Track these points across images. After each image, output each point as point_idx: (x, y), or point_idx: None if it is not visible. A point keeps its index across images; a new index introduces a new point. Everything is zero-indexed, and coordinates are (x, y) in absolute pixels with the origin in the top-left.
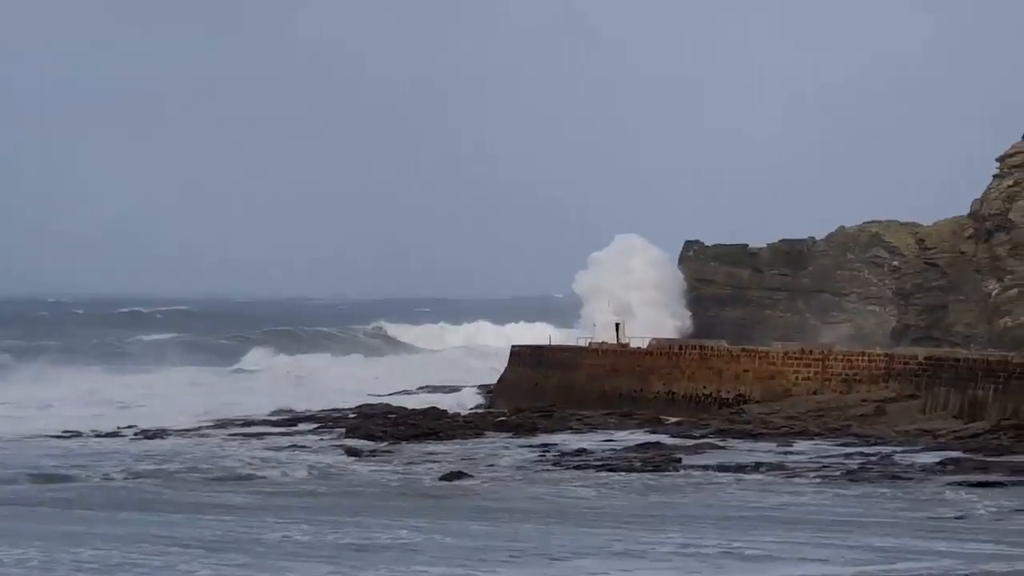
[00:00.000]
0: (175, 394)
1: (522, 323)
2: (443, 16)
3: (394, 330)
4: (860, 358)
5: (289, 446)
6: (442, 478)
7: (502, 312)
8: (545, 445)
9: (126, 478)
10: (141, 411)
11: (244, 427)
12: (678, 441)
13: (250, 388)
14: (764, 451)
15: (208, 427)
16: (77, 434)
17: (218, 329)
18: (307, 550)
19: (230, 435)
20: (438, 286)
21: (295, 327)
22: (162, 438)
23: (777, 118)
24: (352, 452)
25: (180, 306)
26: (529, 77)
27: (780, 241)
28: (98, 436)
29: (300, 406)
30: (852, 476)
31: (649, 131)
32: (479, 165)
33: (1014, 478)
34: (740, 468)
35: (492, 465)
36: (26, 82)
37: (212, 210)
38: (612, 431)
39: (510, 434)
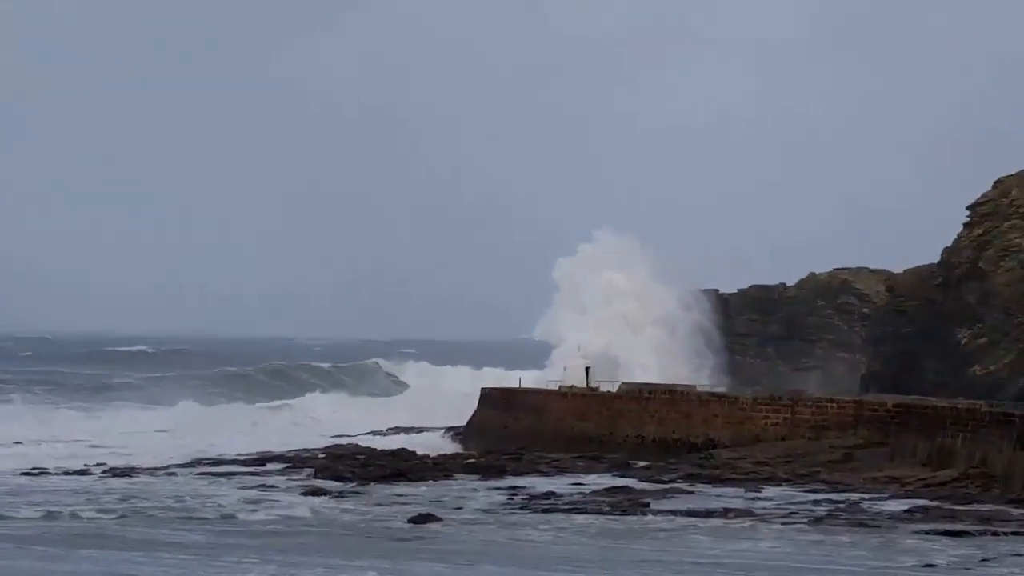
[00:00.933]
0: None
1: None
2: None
3: (393, 369)
4: (829, 404)
5: (257, 486)
6: (410, 520)
7: (477, 355)
8: (514, 488)
9: (86, 514)
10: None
11: (212, 466)
12: (647, 485)
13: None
14: (732, 496)
15: (177, 465)
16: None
17: (222, 366)
18: None
19: (198, 474)
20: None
21: (292, 363)
22: (129, 476)
23: (749, 160)
24: (320, 493)
25: (169, 344)
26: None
27: (750, 287)
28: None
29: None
30: (817, 523)
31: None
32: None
33: (981, 527)
34: (708, 514)
35: (460, 508)
36: None
37: (187, 245)
38: (581, 474)
39: (479, 476)
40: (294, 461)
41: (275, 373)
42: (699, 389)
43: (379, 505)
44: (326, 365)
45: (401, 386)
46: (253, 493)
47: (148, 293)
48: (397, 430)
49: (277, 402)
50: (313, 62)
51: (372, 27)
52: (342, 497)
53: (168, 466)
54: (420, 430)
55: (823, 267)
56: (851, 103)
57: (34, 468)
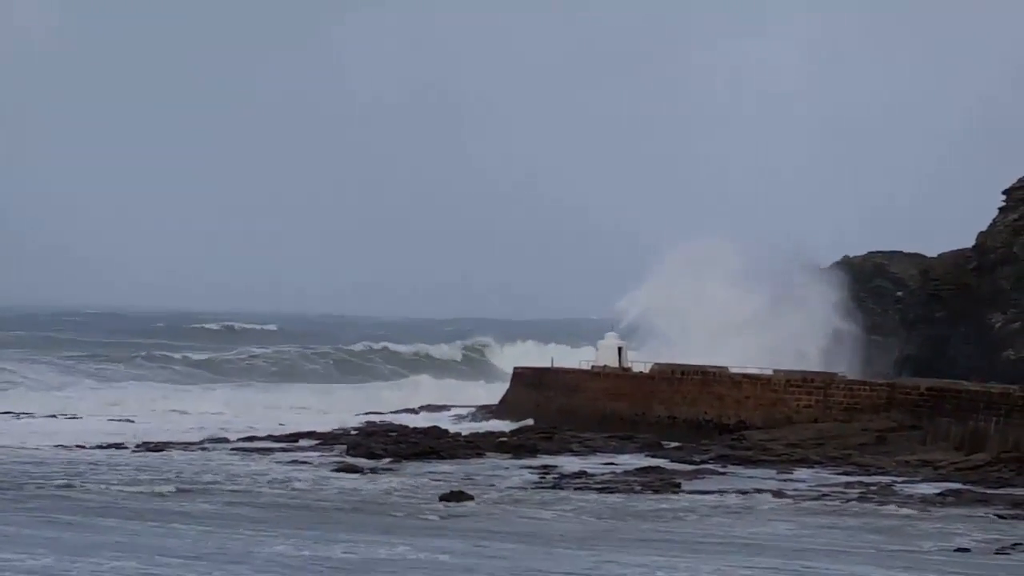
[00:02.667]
0: None
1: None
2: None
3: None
4: (862, 387)
5: (290, 462)
6: (442, 498)
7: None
8: (546, 467)
9: (121, 488)
10: None
11: (246, 442)
12: (678, 466)
13: None
14: (764, 478)
15: (210, 441)
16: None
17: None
18: (297, 562)
19: (232, 450)
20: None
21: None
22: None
23: (797, 144)
24: (352, 470)
25: (262, 324)
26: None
27: None
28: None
29: None
30: (847, 505)
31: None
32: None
33: (1014, 511)
34: (739, 494)
35: (492, 486)
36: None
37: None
38: (613, 454)
39: (510, 455)
40: (326, 438)
41: (391, 356)
42: (731, 370)
43: (411, 482)
44: (446, 346)
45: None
46: (285, 468)
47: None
48: (431, 407)
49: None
50: (373, 44)
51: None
52: (374, 474)
53: (201, 441)
54: (452, 407)
55: (858, 250)
56: (891, 85)
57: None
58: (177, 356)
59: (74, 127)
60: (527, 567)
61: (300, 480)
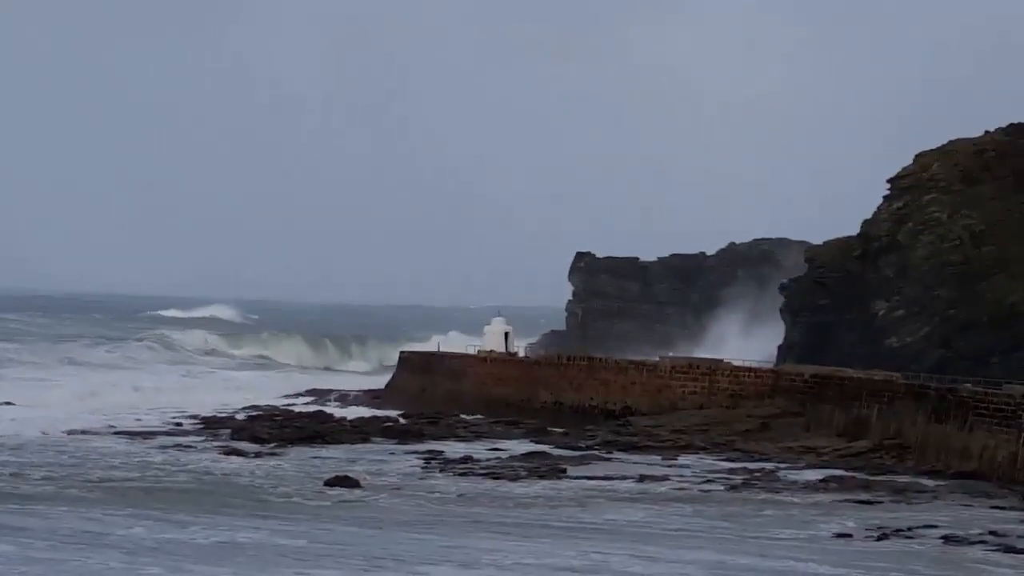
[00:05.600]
0: None
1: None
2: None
3: None
4: (747, 374)
5: (174, 446)
6: (326, 483)
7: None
8: (431, 452)
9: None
10: None
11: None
12: (564, 452)
13: None
14: (649, 464)
15: (97, 428)
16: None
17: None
18: (150, 544)
19: (117, 434)
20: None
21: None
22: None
23: (678, 132)
24: (237, 454)
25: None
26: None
27: (671, 255)
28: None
29: None
30: (732, 491)
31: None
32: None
33: (895, 497)
34: (622, 480)
35: (378, 471)
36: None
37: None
38: (499, 440)
39: (396, 440)
40: (210, 422)
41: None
42: (617, 358)
43: (296, 467)
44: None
45: None
46: (166, 455)
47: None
48: (313, 393)
49: None
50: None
51: None
52: (258, 458)
53: (90, 428)
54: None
55: (743, 237)
56: (790, 75)
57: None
58: None
59: None
60: (366, 551)
61: (180, 465)
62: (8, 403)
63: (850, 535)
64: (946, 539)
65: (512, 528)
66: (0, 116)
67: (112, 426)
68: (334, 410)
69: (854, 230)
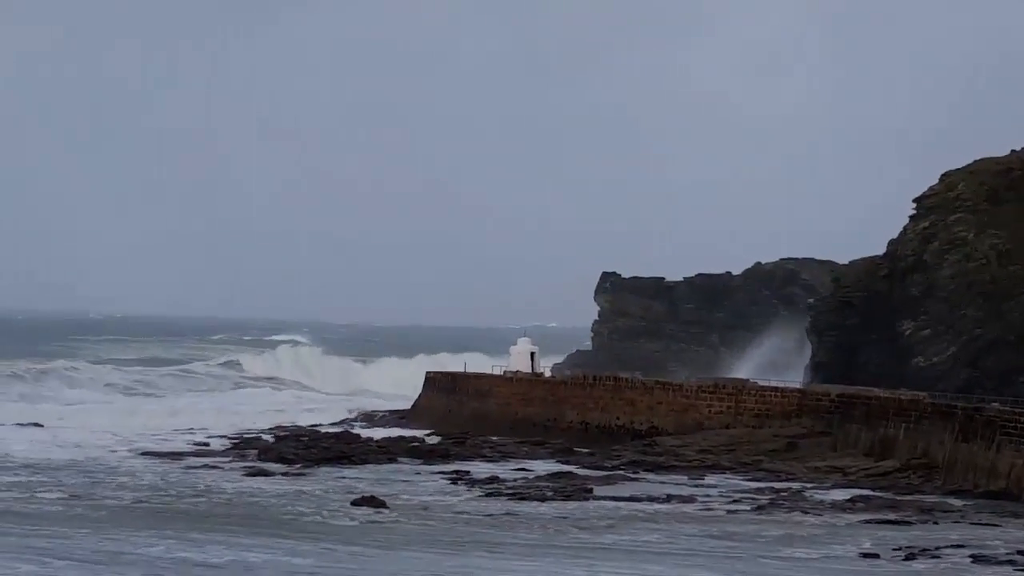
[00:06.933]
0: None
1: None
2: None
3: None
4: (773, 394)
5: (201, 466)
6: (353, 503)
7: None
8: (457, 472)
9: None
10: None
11: (158, 445)
12: (590, 472)
13: None
14: (675, 484)
15: (119, 444)
16: None
17: None
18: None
19: (141, 453)
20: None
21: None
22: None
23: (704, 152)
24: (264, 474)
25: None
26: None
27: (697, 275)
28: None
29: None
30: (759, 512)
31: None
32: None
33: (923, 517)
34: (650, 500)
35: (404, 492)
36: None
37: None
38: (525, 460)
39: (422, 460)
40: (239, 443)
41: None
42: (642, 377)
43: (322, 487)
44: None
45: None
46: (195, 474)
47: None
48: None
49: None
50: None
51: None
52: (284, 478)
53: (108, 446)
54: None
55: (770, 257)
56: (812, 95)
57: None
58: None
59: None
60: (373, 569)
61: (204, 484)
62: (37, 424)
63: (877, 555)
64: (974, 558)
65: (537, 548)
66: (61, 137)
67: (138, 446)
68: (360, 430)
69: (880, 250)
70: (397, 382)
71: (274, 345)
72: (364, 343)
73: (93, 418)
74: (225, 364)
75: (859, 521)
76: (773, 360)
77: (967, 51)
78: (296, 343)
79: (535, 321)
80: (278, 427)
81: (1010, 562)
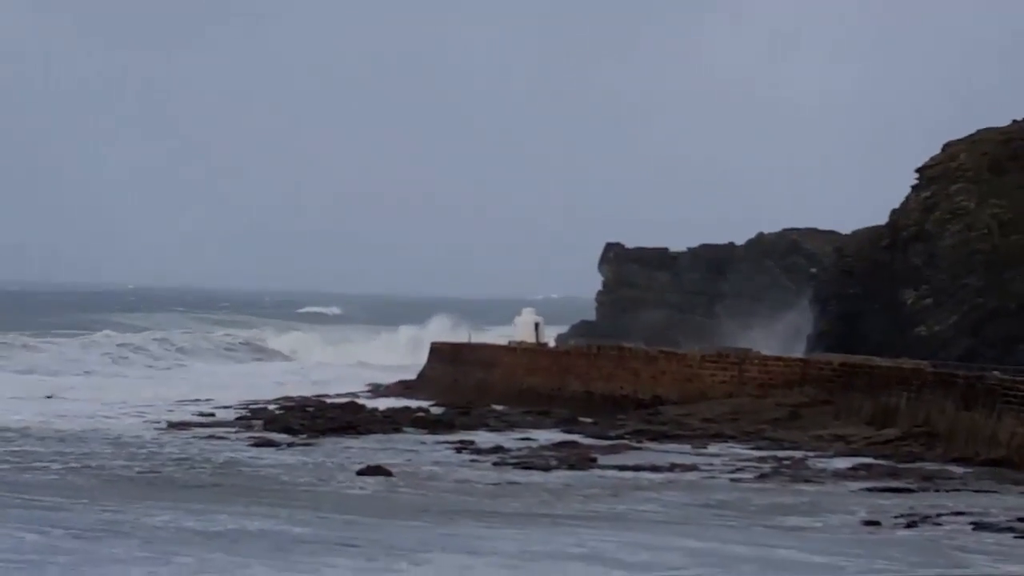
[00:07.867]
0: None
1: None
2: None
3: None
4: (776, 363)
5: (207, 437)
6: (359, 473)
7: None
8: (462, 442)
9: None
10: None
11: (167, 415)
12: (594, 441)
13: None
14: (679, 453)
15: (125, 415)
16: None
17: None
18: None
19: (145, 422)
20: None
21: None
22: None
23: (705, 124)
24: (269, 444)
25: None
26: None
27: (700, 246)
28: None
29: None
30: (761, 480)
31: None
32: None
33: (924, 484)
34: (653, 469)
35: (409, 461)
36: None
37: None
38: (529, 429)
39: (427, 430)
40: (243, 413)
41: None
42: (646, 347)
43: (328, 456)
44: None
45: None
46: (199, 445)
47: None
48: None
49: None
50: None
51: None
52: (290, 448)
53: (118, 415)
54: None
55: (772, 227)
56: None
57: None
58: None
59: None
60: (367, 537)
61: (213, 455)
62: (49, 396)
63: (878, 523)
64: (975, 526)
65: (540, 518)
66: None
67: (148, 417)
68: (365, 401)
69: (882, 219)
70: (406, 352)
71: (298, 317)
72: (383, 311)
73: (106, 389)
74: (244, 338)
75: (861, 489)
76: (776, 330)
77: (973, 24)
78: (321, 314)
79: (536, 292)
80: (284, 398)
81: (1010, 529)
